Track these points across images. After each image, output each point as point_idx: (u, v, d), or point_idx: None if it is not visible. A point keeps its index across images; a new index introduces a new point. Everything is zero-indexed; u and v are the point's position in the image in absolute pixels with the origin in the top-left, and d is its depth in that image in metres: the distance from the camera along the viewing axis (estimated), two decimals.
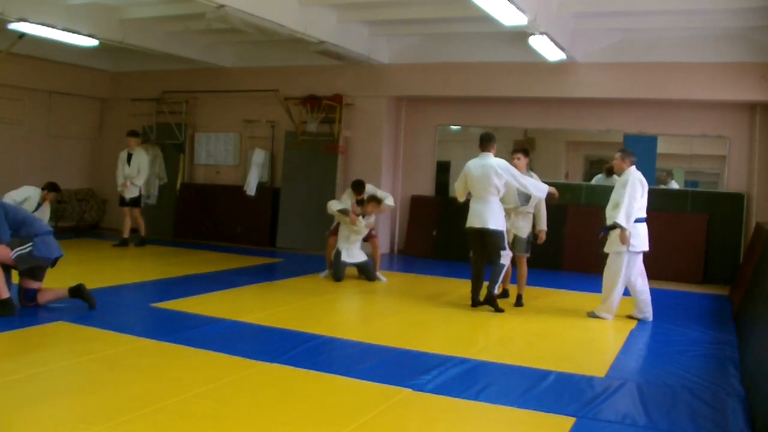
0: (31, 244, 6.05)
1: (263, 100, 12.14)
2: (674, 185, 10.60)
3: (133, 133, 11.09)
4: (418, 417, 4.03)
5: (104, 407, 3.88)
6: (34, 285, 6.24)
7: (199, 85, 12.68)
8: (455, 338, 6.13)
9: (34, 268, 6.17)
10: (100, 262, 9.54)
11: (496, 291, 7.14)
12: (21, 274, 6.21)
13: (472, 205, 7.11)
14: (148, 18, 10.03)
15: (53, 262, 6.36)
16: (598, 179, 11.13)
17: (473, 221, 7.07)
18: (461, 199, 7.34)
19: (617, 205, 6.74)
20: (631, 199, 6.66)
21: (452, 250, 10.98)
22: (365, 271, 8.72)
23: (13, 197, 9.15)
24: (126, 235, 10.98)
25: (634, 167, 6.89)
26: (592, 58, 10.08)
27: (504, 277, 7.49)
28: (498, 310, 7.04)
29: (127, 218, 11.05)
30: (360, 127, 11.62)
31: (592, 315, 7.05)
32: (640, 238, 6.80)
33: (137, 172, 10.88)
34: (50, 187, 9.61)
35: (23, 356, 4.88)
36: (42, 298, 6.34)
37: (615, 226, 6.76)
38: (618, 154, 6.99)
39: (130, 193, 10.93)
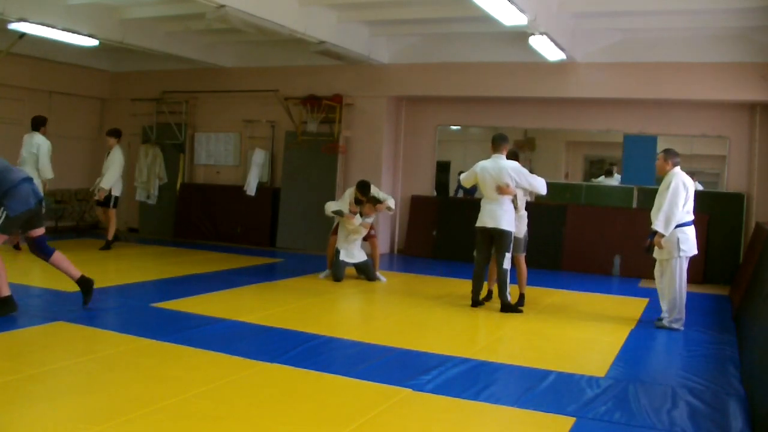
0: (3, 208, 5.83)
1: (263, 100, 12.14)
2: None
3: (110, 133, 10.56)
4: (418, 417, 4.03)
5: (104, 407, 3.88)
6: (37, 233, 6.18)
7: (199, 85, 12.68)
8: (455, 338, 6.13)
9: (26, 222, 6.07)
10: (100, 262, 9.54)
11: (509, 298, 7.12)
12: (21, 232, 6.23)
13: (485, 205, 7.13)
14: (148, 18, 10.03)
15: (41, 206, 6.18)
16: (600, 180, 11.17)
17: (486, 221, 7.08)
18: (468, 186, 7.63)
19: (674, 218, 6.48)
20: (672, 205, 6.42)
21: (452, 250, 10.99)
22: (365, 271, 8.71)
23: (28, 149, 9.56)
24: (110, 236, 10.51)
25: (678, 168, 6.61)
26: (592, 58, 10.08)
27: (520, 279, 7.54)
28: (518, 311, 7.07)
29: (108, 217, 10.56)
30: (360, 127, 11.62)
31: (662, 326, 6.71)
32: (689, 242, 6.57)
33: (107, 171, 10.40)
34: (43, 122, 9.92)
35: (23, 356, 4.87)
36: (56, 261, 6.27)
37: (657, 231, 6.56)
38: (660, 155, 6.73)
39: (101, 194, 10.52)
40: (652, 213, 6.66)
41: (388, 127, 11.65)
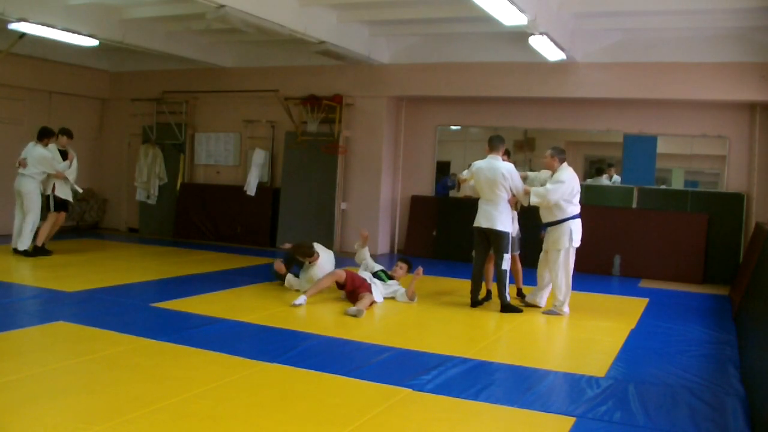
0: None
1: (263, 100, 12.14)
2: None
3: (63, 132, 9.91)
4: (418, 417, 4.03)
5: (104, 407, 3.89)
6: None
7: (199, 85, 12.68)
8: (455, 338, 6.14)
9: None
10: (100, 262, 9.54)
11: (509, 298, 7.16)
12: None
13: (481, 206, 7.17)
14: (148, 18, 10.03)
15: None
16: (593, 180, 11.18)
17: (481, 221, 7.12)
18: (469, 182, 7.53)
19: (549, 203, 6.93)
20: (554, 190, 6.83)
21: (452, 250, 10.99)
22: None
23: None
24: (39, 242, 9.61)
25: (565, 164, 7.09)
26: (592, 58, 10.08)
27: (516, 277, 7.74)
28: (518, 311, 7.10)
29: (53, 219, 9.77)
30: (360, 127, 11.62)
31: (550, 312, 7.07)
32: (579, 233, 7.00)
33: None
34: (48, 133, 9.71)
35: (23, 356, 4.88)
36: None
37: (551, 224, 6.99)
38: (548, 152, 7.15)
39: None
40: (542, 208, 7.08)
41: (388, 127, 11.65)
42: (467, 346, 5.66)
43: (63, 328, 5.67)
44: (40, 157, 9.50)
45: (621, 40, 9.98)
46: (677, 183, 10.66)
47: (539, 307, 7.26)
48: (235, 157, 12.68)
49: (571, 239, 6.92)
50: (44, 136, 9.70)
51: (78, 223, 13.00)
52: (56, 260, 9.18)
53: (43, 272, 8.36)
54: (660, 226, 10.19)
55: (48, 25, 9.17)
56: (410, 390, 4.40)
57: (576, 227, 6.97)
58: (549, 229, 7.05)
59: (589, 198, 10.84)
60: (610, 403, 4.32)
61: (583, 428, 3.88)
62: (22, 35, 9.61)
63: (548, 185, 6.91)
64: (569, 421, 3.97)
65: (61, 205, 9.77)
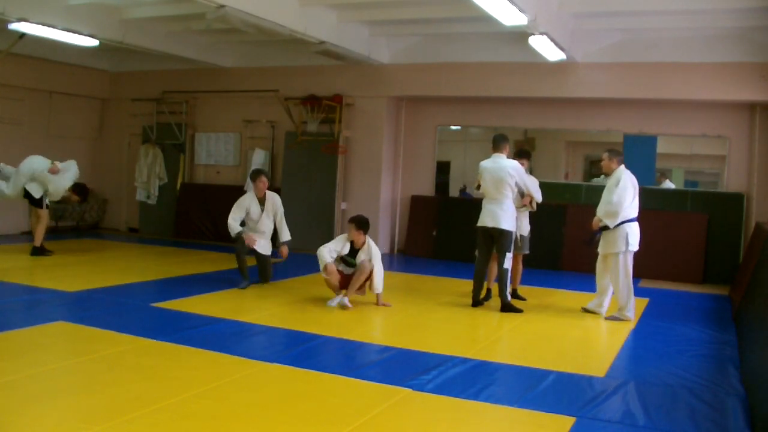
0: None
1: (263, 100, 12.14)
2: (669, 185, 10.59)
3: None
4: (418, 417, 4.03)
5: (104, 407, 3.89)
6: None
7: (199, 85, 12.68)
8: (455, 338, 6.13)
9: None
10: (100, 262, 9.54)
11: (509, 298, 7.16)
12: None
13: (486, 205, 7.15)
14: (148, 18, 10.03)
15: None
16: (598, 180, 11.15)
17: (486, 221, 7.10)
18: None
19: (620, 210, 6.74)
20: (620, 199, 6.70)
21: (452, 250, 10.99)
22: (262, 268, 8.15)
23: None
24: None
25: (623, 166, 6.95)
26: (592, 58, 10.08)
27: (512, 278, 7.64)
28: (518, 311, 7.08)
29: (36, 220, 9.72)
30: (360, 127, 11.62)
31: (613, 318, 6.92)
32: (636, 237, 6.85)
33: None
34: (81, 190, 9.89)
35: (23, 356, 4.87)
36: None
37: (605, 227, 6.85)
38: (605, 154, 7.03)
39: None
40: (599, 208, 6.94)
41: (388, 127, 11.65)
42: (467, 346, 5.66)
43: (63, 328, 5.68)
44: (41, 170, 9.28)
45: (621, 40, 9.98)
46: (677, 183, 10.66)
47: (600, 314, 7.07)
48: (235, 157, 12.68)
49: (627, 242, 6.76)
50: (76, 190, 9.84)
51: (78, 223, 13.00)
52: (56, 260, 9.19)
53: (43, 272, 8.36)
54: (660, 226, 10.18)
55: (48, 25, 9.17)
56: (410, 390, 4.40)
57: (632, 230, 6.80)
58: (604, 232, 6.90)
59: (590, 198, 10.83)
60: (610, 403, 4.32)
61: (583, 428, 3.88)
62: (22, 35, 9.61)
63: (613, 197, 6.74)
64: (569, 421, 3.97)
65: (39, 201, 9.57)
